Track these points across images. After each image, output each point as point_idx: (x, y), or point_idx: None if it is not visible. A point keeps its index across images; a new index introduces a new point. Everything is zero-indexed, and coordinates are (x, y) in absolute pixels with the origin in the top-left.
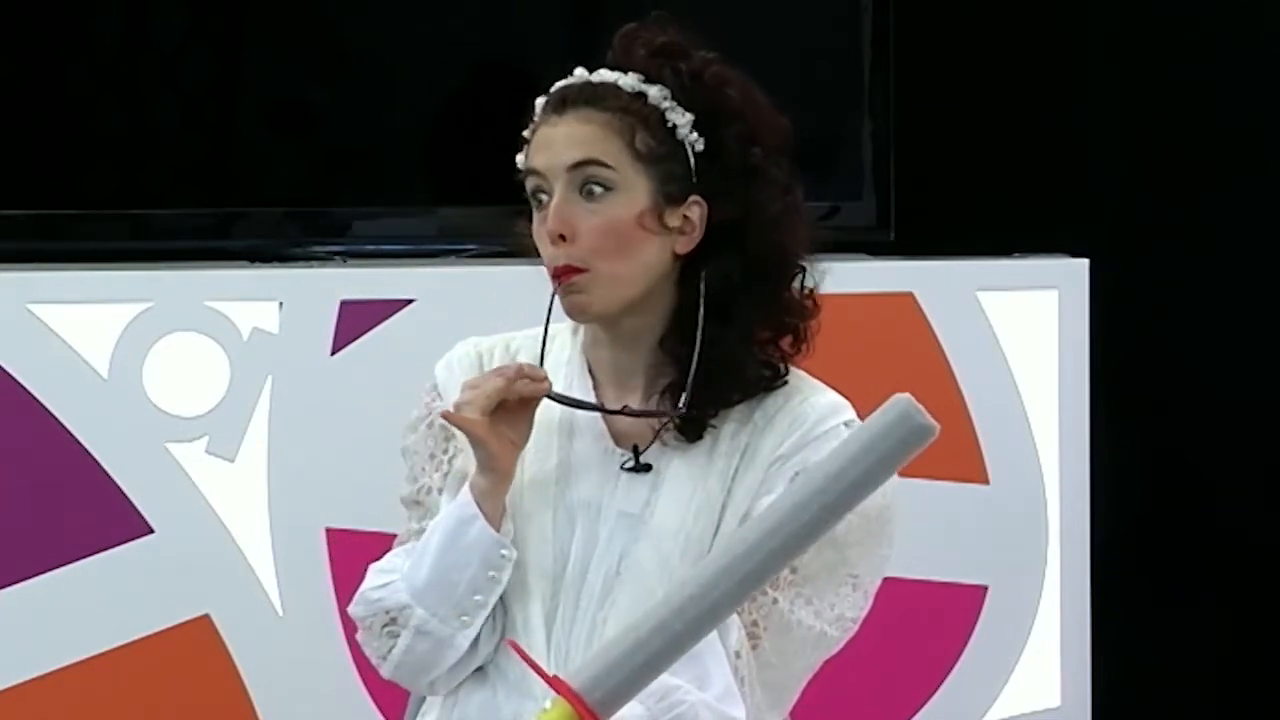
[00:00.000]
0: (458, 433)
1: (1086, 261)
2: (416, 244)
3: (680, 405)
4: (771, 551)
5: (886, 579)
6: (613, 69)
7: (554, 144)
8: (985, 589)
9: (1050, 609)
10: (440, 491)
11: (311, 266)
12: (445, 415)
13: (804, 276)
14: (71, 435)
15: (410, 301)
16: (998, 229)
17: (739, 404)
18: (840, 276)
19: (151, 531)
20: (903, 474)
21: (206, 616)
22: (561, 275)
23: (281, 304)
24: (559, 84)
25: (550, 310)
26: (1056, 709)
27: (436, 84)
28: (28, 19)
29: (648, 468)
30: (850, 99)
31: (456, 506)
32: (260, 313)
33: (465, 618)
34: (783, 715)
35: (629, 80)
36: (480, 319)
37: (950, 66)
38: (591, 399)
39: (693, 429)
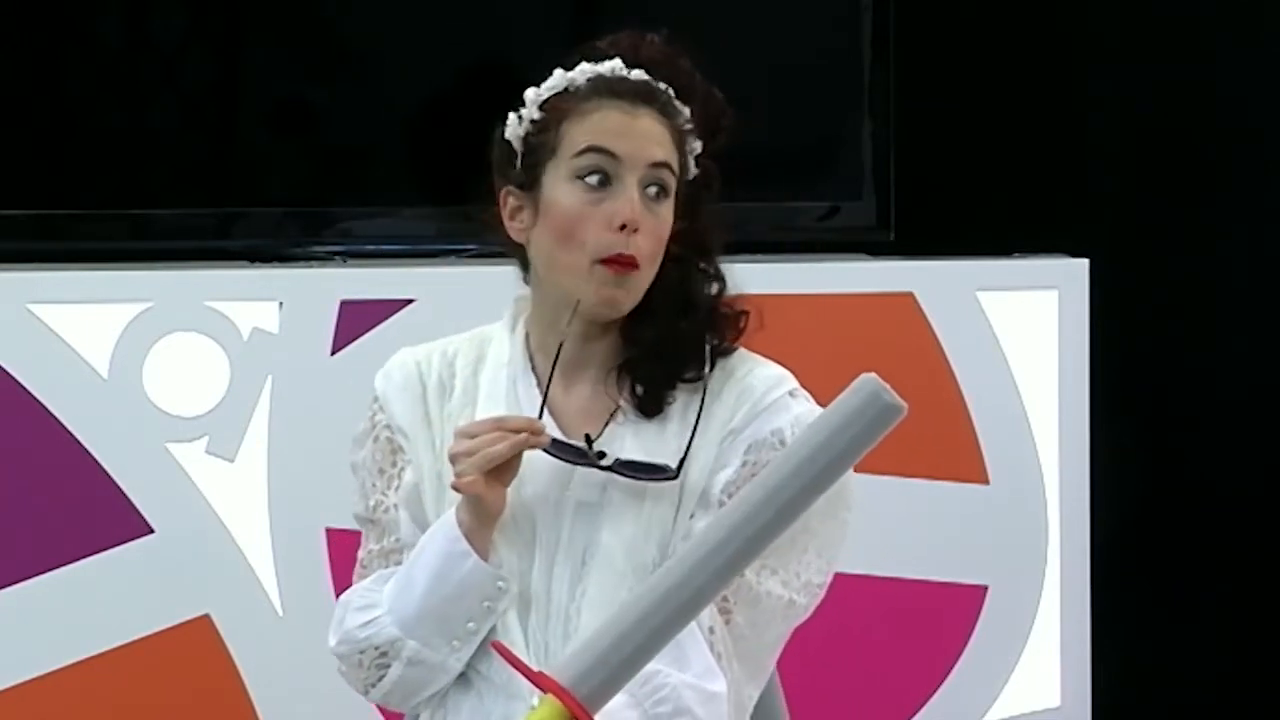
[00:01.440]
0: (405, 445)
1: (1086, 261)
2: (416, 244)
3: (635, 386)
4: (749, 537)
5: (887, 579)
6: (650, 74)
7: (636, 135)
8: (985, 589)
9: (1050, 609)
10: (396, 508)
11: (311, 266)
12: (454, 487)
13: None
14: (71, 435)
15: (410, 301)
16: (998, 229)
17: (692, 381)
18: (840, 276)
19: (151, 531)
20: (903, 474)
21: (206, 616)
22: (626, 264)
23: (281, 304)
24: (607, 71)
25: (558, 354)
26: (1056, 709)
27: (436, 84)
28: (28, 19)
29: (601, 455)
30: (850, 99)
31: (443, 540)
32: (260, 313)
33: (457, 643)
34: (760, 686)
35: (671, 95)
36: (480, 319)
37: (950, 66)
38: (535, 397)
39: (651, 403)
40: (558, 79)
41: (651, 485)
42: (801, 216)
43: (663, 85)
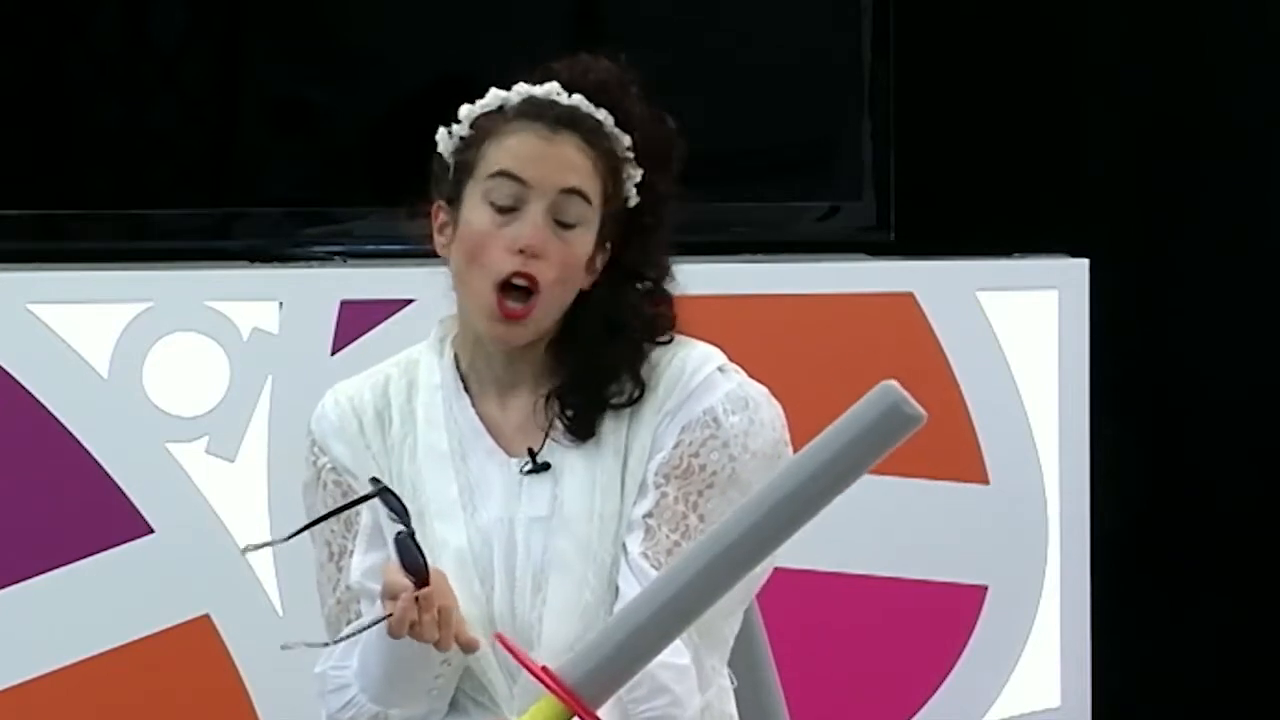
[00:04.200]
0: (355, 485)
1: (1086, 261)
2: (416, 244)
3: (565, 411)
4: (759, 541)
5: (887, 579)
6: (589, 99)
7: (549, 162)
8: (985, 589)
9: (1050, 609)
10: (351, 554)
11: (311, 266)
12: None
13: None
14: (71, 435)
15: (410, 301)
16: (998, 229)
17: (620, 407)
18: (840, 276)
19: (151, 531)
20: (902, 474)
21: (206, 616)
22: (515, 292)
23: (281, 304)
24: (540, 94)
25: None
26: (1056, 709)
27: (437, 84)
28: (28, 18)
29: (546, 466)
30: (850, 99)
31: (388, 648)
32: (260, 313)
33: (435, 691)
34: (722, 658)
35: (607, 119)
36: None
37: (950, 66)
38: (475, 421)
39: (582, 429)
40: (491, 98)
41: (599, 483)
42: (801, 216)
43: (598, 112)
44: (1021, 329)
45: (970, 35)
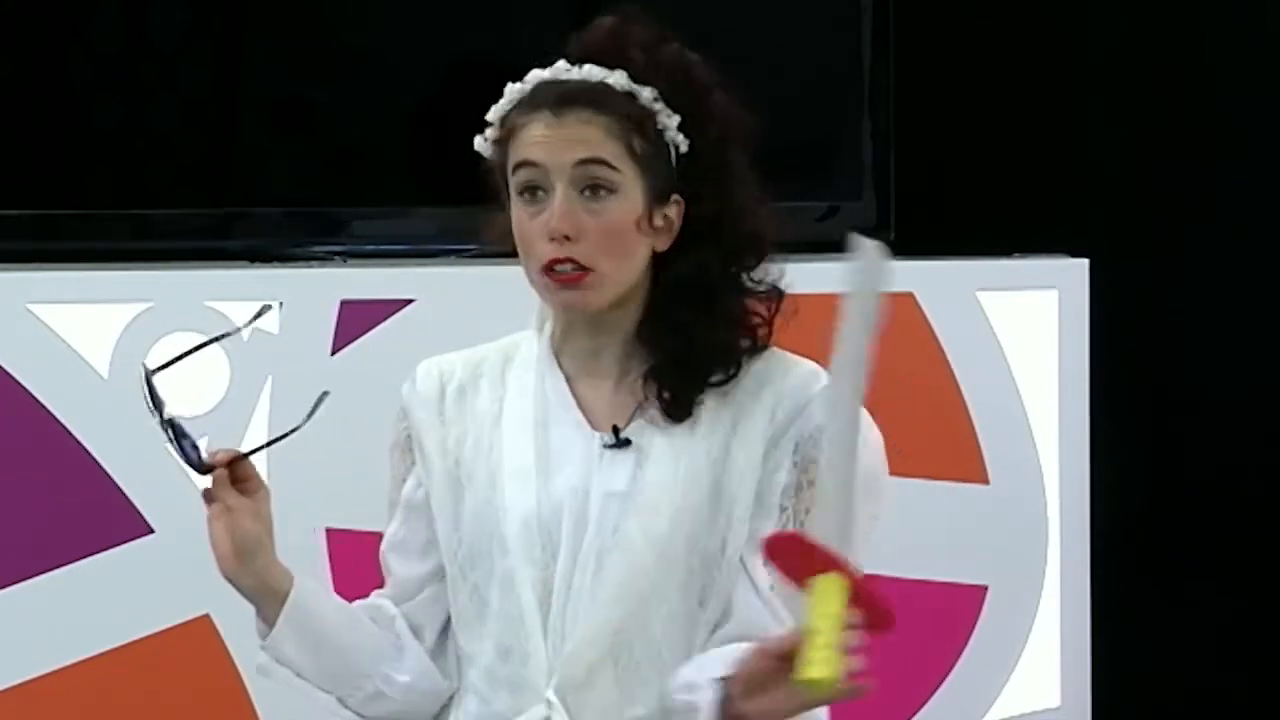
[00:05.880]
0: (417, 452)
1: (1086, 261)
2: (416, 244)
3: (662, 392)
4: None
5: (886, 579)
6: (598, 64)
7: (555, 141)
8: (985, 589)
9: (1050, 609)
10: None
11: (311, 266)
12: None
13: (770, 262)
14: (71, 435)
15: (410, 301)
16: (998, 229)
17: (721, 384)
18: (840, 276)
19: (151, 531)
20: (903, 474)
21: (206, 616)
22: (561, 267)
23: (281, 304)
24: (546, 77)
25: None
26: (1056, 709)
27: (436, 83)
28: (28, 19)
29: (628, 443)
30: (850, 99)
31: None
32: None
33: (341, 692)
34: None
35: (620, 80)
36: (480, 319)
37: (950, 66)
38: (566, 394)
39: (678, 409)
40: (509, 94)
41: (683, 475)
42: (801, 216)
43: (609, 75)
44: (1021, 329)
45: (970, 35)
